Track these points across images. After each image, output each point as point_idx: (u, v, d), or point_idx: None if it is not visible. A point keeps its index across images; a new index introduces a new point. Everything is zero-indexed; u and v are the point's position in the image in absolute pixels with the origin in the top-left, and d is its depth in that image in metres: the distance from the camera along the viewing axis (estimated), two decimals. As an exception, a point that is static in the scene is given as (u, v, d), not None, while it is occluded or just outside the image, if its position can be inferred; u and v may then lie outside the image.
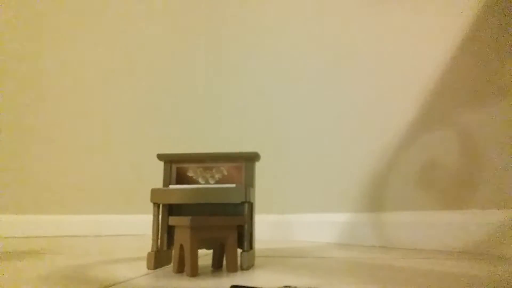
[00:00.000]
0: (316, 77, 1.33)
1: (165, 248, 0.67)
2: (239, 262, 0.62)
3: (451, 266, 0.67)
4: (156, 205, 0.66)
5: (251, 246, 0.65)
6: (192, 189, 0.65)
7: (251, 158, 0.69)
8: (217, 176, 0.69)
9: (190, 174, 0.70)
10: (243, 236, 0.64)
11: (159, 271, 0.63)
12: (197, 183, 0.69)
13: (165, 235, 0.67)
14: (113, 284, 0.51)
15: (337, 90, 1.25)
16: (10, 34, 1.61)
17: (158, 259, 0.64)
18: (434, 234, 0.92)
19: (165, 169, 0.71)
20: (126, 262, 0.75)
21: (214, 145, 1.72)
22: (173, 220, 0.63)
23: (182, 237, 0.59)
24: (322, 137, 1.28)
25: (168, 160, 0.70)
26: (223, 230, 0.61)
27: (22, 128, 1.60)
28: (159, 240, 0.66)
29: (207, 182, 0.69)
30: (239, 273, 0.60)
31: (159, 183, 1.40)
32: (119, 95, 1.75)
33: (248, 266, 0.63)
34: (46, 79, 1.65)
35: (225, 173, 0.69)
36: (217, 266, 0.66)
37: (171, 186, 0.69)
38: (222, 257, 0.66)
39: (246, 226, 0.64)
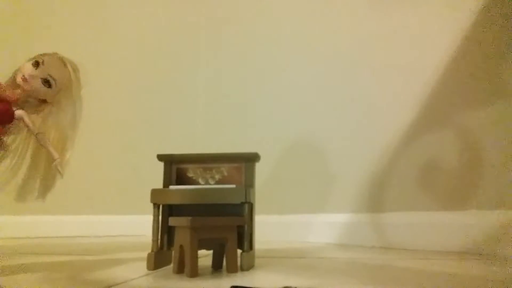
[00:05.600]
0: (315, 77, 1.33)
1: (165, 248, 0.67)
2: (239, 263, 0.62)
3: (451, 266, 0.67)
4: (156, 205, 0.66)
5: (251, 247, 0.65)
6: (192, 190, 0.65)
7: (251, 159, 0.69)
8: (217, 176, 0.69)
9: (190, 174, 0.70)
10: (243, 236, 0.64)
11: (159, 271, 0.63)
12: (197, 183, 0.69)
13: (165, 235, 0.67)
14: (113, 285, 0.51)
15: (336, 90, 1.25)
16: (7, 32, 1.61)
17: (158, 260, 0.64)
18: (434, 234, 0.92)
19: (165, 170, 0.70)
20: (126, 263, 0.75)
21: (214, 146, 1.72)
22: (173, 221, 0.63)
23: (182, 237, 0.59)
24: (322, 137, 1.28)
25: (168, 160, 0.70)
26: (223, 231, 0.61)
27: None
28: (159, 241, 0.66)
29: (207, 183, 0.69)
30: (239, 273, 0.60)
31: (159, 184, 1.40)
32: (119, 95, 1.75)
33: (248, 266, 0.63)
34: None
35: (225, 173, 0.69)
36: (217, 267, 0.66)
37: (171, 187, 0.69)
38: (222, 258, 0.66)
39: (246, 227, 0.64)
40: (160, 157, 0.70)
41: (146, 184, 0.69)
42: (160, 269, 0.65)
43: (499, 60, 0.87)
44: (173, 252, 0.63)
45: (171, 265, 0.62)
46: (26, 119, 0.61)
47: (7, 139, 0.61)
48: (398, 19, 1.08)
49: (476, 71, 0.90)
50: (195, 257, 0.57)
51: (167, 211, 0.68)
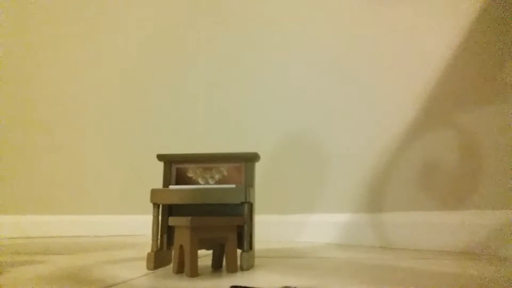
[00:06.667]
0: (316, 77, 1.33)
1: (165, 248, 0.67)
2: (239, 263, 0.62)
3: (451, 266, 0.67)
4: (156, 205, 0.66)
5: (251, 247, 0.65)
6: (192, 190, 0.65)
7: (251, 159, 0.69)
8: (217, 176, 0.69)
9: (190, 174, 0.70)
10: (243, 236, 0.64)
11: (159, 271, 0.63)
12: (197, 183, 0.69)
13: (165, 235, 0.67)
14: (113, 285, 0.51)
15: (337, 90, 1.25)
16: (8, 33, 1.61)
17: (158, 260, 0.64)
18: (434, 234, 0.92)
19: (165, 170, 0.71)
20: (126, 263, 0.75)
21: (214, 146, 1.72)
22: (172, 221, 0.63)
23: (182, 237, 0.59)
24: (322, 137, 1.28)
25: (168, 160, 0.70)
26: (223, 231, 0.61)
27: (21, 128, 1.60)
28: (159, 241, 0.66)
29: (207, 183, 0.69)
30: (239, 273, 0.60)
31: (159, 184, 1.40)
32: (119, 95, 1.75)
33: (248, 266, 0.63)
34: (45, 79, 1.66)
35: (225, 173, 0.69)
36: (217, 267, 0.66)
37: (171, 187, 0.69)
38: (222, 258, 0.66)
39: (246, 227, 0.64)
40: (160, 157, 0.70)
41: (146, 184, 0.70)
42: (160, 268, 0.65)
43: (499, 60, 0.87)
44: (173, 252, 0.63)
45: (171, 265, 0.62)
46: None
47: None
48: (398, 18, 1.09)
49: (476, 71, 0.90)
50: (195, 257, 0.57)
51: (167, 211, 0.68)
